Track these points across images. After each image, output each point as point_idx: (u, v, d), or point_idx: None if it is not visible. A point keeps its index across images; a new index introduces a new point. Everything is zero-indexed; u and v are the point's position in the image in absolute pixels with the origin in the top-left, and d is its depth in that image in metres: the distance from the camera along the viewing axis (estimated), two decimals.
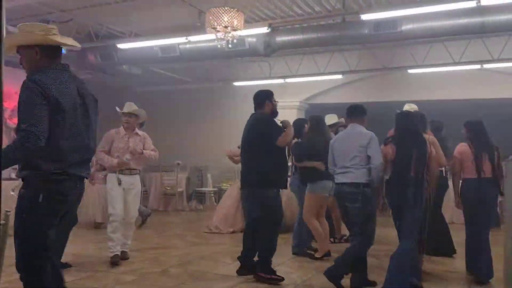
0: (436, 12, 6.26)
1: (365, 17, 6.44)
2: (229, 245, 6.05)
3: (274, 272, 4.31)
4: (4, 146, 1.92)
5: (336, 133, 6.22)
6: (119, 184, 4.94)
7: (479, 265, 4.36)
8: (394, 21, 6.65)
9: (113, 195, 4.96)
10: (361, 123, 4.30)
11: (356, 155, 4.06)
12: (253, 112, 4.57)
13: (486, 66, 8.62)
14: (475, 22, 6.29)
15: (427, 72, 9.18)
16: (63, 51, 9.24)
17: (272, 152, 4.24)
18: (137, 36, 8.41)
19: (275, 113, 4.53)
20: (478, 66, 8.66)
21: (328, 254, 5.25)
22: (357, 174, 4.03)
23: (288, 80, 10.40)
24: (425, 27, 6.63)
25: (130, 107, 5.15)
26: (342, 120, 5.84)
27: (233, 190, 7.35)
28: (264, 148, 4.22)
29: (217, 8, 5.69)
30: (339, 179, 4.16)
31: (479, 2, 5.65)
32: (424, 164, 3.94)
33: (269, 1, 7.01)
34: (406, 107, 5.78)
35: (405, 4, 6.53)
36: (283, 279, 4.26)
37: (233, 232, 6.95)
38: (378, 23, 6.73)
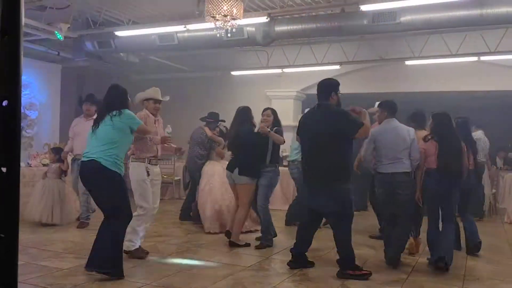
0: (434, 4, 6.26)
1: (364, 8, 6.43)
2: None
3: (360, 268, 4.25)
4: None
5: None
6: (148, 175, 4.68)
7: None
8: (393, 13, 6.64)
9: (145, 187, 4.67)
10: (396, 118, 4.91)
11: (405, 147, 4.61)
12: (318, 103, 4.36)
13: (483, 58, 8.64)
14: (474, 14, 6.29)
15: (424, 64, 9.19)
16: (61, 38, 9.11)
17: (350, 145, 4.24)
18: (135, 23, 8.36)
19: (339, 106, 4.41)
20: (475, 58, 8.68)
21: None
22: (408, 164, 4.61)
23: (286, 70, 10.39)
24: (423, 18, 6.63)
25: (159, 93, 4.99)
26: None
27: (214, 185, 6.47)
28: (343, 141, 4.16)
29: None
30: (388, 169, 4.60)
31: None
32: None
33: None
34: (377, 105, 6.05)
35: None
36: (371, 273, 4.20)
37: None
38: (377, 14, 6.72)
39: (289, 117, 10.70)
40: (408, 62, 9.25)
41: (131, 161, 4.78)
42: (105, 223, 4.00)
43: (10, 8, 0.91)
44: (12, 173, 0.95)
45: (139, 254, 4.68)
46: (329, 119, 4.18)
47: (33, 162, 7.12)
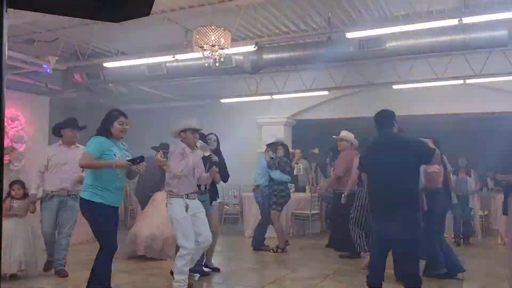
0: (419, 30, 6.40)
1: (350, 35, 6.55)
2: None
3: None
4: None
5: (274, 153, 6.79)
6: (186, 210, 4.39)
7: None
8: (378, 39, 6.77)
9: (186, 225, 4.36)
10: None
11: None
12: (383, 131, 4.25)
13: (468, 81, 8.79)
14: (457, 39, 6.43)
15: (411, 88, 9.32)
16: (49, 71, 9.07)
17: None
18: (123, 54, 8.41)
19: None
20: (461, 81, 8.83)
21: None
22: None
23: (275, 96, 10.47)
24: (409, 44, 6.76)
25: (196, 121, 4.70)
26: (281, 139, 6.27)
27: (154, 211, 6.43)
28: (418, 169, 4.13)
29: (204, 27, 5.72)
30: None
31: (461, 20, 5.79)
32: None
33: (256, 20, 7.09)
34: (343, 133, 6.66)
35: (389, 22, 6.67)
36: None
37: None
38: (363, 41, 6.85)
39: None
40: (395, 86, 9.37)
41: (168, 198, 4.50)
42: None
43: None
44: None
45: None
46: (409, 146, 4.08)
47: None
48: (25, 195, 5.18)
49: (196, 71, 8.23)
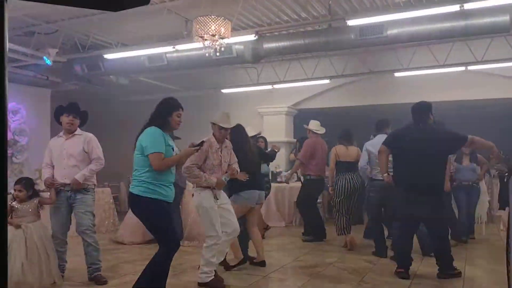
0: (420, 17, 6.36)
1: (351, 22, 6.51)
2: None
3: (455, 267, 4.70)
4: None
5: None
6: (216, 198, 4.35)
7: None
8: (379, 26, 6.73)
9: (213, 215, 4.30)
10: (386, 134, 5.52)
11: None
12: (417, 122, 4.77)
13: (470, 68, 8.75)
14: (459, 26, 6.39)
15: (412, 75, 9.28)
16: (49, 63, 9.02)
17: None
18: (123, 46, 8.39)
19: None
20: (462, 68, 8.79)
21: (243, 261, 5.14)
22: None
23: (276, 86, 10.45)
24: (410, 31, 6.72)
25: (226, 118, 4.58)
26: (260, 131, 6.70)
27: None
28: (446, 157, 4.86)
29: (204, 17, 5.69)
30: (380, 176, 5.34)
31: (462, 6, 5.76)
32: None
33: (256, 9, 7.05)
34: (312, 125, 7.09)
35: (390, 9, 6.63)
36: (461, 273, 4.70)
37: (137, 243, 6.55)
38: (363, 29, 6.81)
39: (281, 132, 10.73)
40: (397, 74, 9.34)
41: (196, 188, 4.44)
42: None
43: None
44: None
45: (215, 284, 4.36)
46: (444, 138, 4.68)
47: None
48: (32, 195, 4.39)
49: (196, 62, 8.20)
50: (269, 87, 10.53)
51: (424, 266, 5.14)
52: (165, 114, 3.67)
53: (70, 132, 4.70)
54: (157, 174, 3.51)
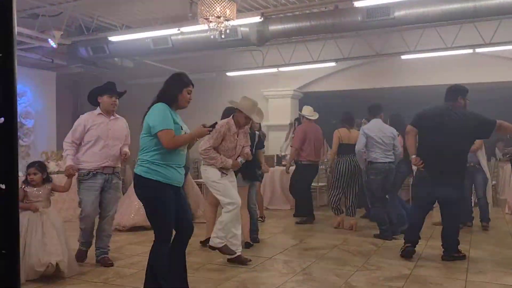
0: None
1: (358, 4, 6.43)
2: None
3: (460, 251, 4.76)
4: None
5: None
6: (223, 174, 4.46)
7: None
8: (386, 8, 6.64)
9: (223, 184, 4.39)
10: (381, 118, 5.97)
11: (392, 142, 5.80)
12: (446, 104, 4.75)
13: (478, 50, 8.65)
14: (467, 7, 6.29)
15: (420, 58, 9.19)
16: (54, 45, 8.96)
17: None
18: (128, 28, 8.34)
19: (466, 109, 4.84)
20: (470, 51, 8.69)
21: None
22: (393, 156, 5.83)
23: (282, 69, 10.38)
24: (417, 12, 6.63)
25: (251, 106, 4.54)
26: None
27: None
28: (472, 141, 4.87)
29: None
30: (385, 159, 5.74)
31: None
32: None
33: None
34: (305, 110, 7.30)
35: None
36: (465, 256, 4.76)
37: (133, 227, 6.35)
38: (370, 10, 6.72)
39: (287, 116, 10.70)
40: (404, 57, 9.25)
41: (203, 165, 4.57)
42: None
43: (3, 27, 0.90)
44: (11, 190, 0.95)
45: (227, 251, 4.45)
46: (470, 121, 4.61)
47: None
48: (45, 180, 4.19)
49: (201, 44, 8.15)
50: (274, 70, 10.47)
51: (428, 248, 5.17)
52: (174, 90, 3.38)
53: (111, 113, 4.59)
54: (165, 155, 3.23)
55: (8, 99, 0.89)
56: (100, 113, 4.52)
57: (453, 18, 6.74)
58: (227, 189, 4.39)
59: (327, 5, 7.31)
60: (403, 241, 4.95)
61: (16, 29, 0.86)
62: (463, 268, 4.44)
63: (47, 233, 3.96)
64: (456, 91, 4.78)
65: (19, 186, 3.81)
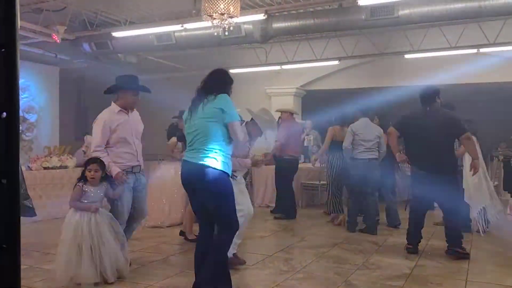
0: None
1: (361, 2, 6.40)
2: None
3: (464, 248, 4.80)
4: None
5: None
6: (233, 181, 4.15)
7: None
8: (390, 7, 6.62)
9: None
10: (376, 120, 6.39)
11: (377, 141, 6.09)
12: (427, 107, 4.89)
13: (482, 50, 8.61)
14: (472, 7, 6.27)
15: (423, 57, 9.17)
16: (58, 40, 8.96)
17: None
18: (132, 24, 8.34)
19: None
20: (474, 50, 8.65)
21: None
22: (377, 153, 6.12)
23: (285, 66, 10.37)
24: (421, 12, 6.61)
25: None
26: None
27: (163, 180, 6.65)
28: (453, 139, 4.98)
29: None
30: (367, 156, 6.03)
31: None
32: None
33: None
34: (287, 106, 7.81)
35: None
36: (469, 254, 4.81)
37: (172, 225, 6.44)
38: (374, 9, 6.71)
39: None
40: (407, 56, 9.22)
41: None
42: (214, 237, 3.38)
43: (7, 22, 0.90)
44: (12, 184, 0.95)
45: (239, 259, 4.41)
46: (452, 122, 4.80)
47: (33, 165, 7.08)
48: (103, 179, 3.90)
49: (205, 41, 8.15)
50: (277, 67, 10.45)
51: (429, 248, 5.17)
52: (229, 85, 3.37)
53: (132, 109, 4.31)
54: (229, 146, 3.21)
55: (11, 94, 0.90)
56: (120, 110, 4.18)
57: (458, 18, 6.72)
58: (237, 196, 4.26)
59: (331, 3, 7.28)
60: (405, 241, 5.08)
61: (20, 23, 0.87)
62: (463, 268, 4.44)
63: (109, 238, 3.76)
64: (434, 93, 4.95)
65: (75, 183, 3.77)
